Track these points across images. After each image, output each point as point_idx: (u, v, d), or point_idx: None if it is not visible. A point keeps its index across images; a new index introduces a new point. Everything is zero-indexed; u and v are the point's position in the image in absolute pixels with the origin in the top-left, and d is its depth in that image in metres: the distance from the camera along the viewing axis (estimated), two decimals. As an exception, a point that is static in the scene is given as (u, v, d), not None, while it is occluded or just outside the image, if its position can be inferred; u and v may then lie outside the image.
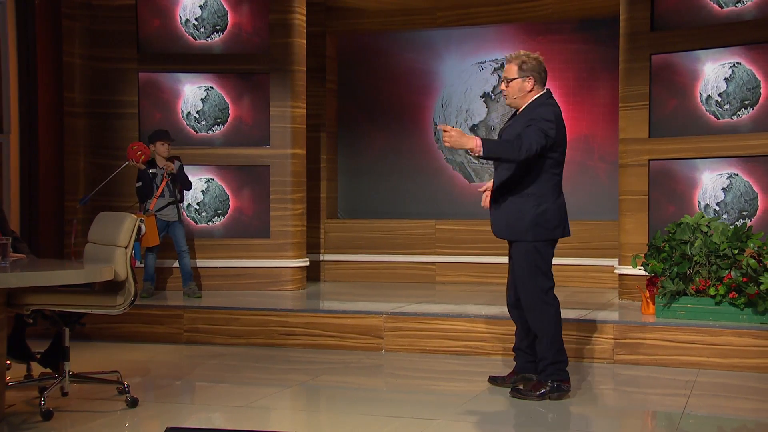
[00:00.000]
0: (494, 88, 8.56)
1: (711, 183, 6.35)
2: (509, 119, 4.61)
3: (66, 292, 4.25)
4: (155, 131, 7.16)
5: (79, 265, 4.37)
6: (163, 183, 6.98)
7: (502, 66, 8.62)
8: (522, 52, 4.52)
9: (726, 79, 6.26)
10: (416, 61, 8.97)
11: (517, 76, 4.43)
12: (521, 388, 4.53)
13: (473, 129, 8.59)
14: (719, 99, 6.27)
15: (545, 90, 4.49)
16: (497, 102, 8.55)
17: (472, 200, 8.79)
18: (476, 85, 8.67)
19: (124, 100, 7.69)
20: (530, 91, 4.43)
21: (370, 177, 9.11)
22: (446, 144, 4.20)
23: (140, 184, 7.03)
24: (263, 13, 7.73)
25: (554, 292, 4.47)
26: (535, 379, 4.53)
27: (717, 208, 6.27)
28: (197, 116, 7.72)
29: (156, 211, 6.95)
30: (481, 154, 4.18)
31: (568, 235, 4.53)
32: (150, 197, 7.00)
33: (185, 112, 7.74)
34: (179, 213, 7.12)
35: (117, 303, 4.29)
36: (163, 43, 7.74)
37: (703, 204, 6.36)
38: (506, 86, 4.47)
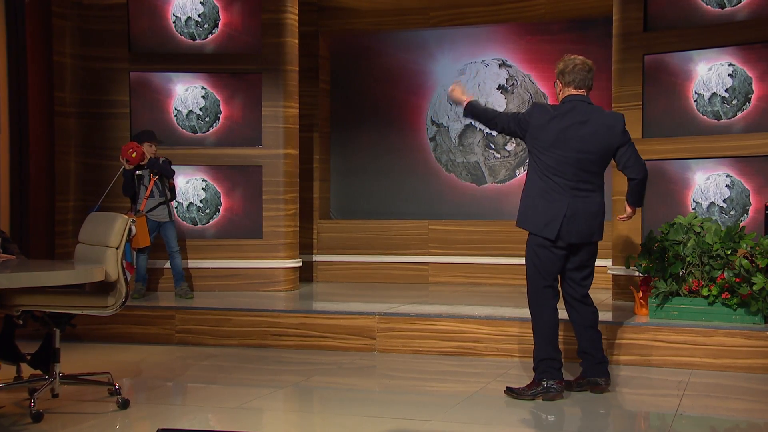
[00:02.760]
0: (507, 80, 8.57)
1: (713, 182, 6.34)
2: None
3: (56, 293, 4.22)
4: (141, 132, 7.11)
5: (69, 265, 4.34)
6: (151, 183, 6.93)
7: (504, 63, 8.64)
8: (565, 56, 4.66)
9: (730, 75, 6.26)
10: (409, 60, 8.96)
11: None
12: (514, 387, 4.53)
13: None
14: (727, 95, 6.25)
15: (570, 93, 4.52)
16: (512, 93, 8.56)
17: (466, 201, 8.81)
18: (489, 79, 8.67)
19: (116, 100, 7.65)
20: (559, 93, 4.58)
21: (363, 177, 9.09)
22: (450, 94, 4.77)
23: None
24: (255, 12, 7.70)
25: (552, 292, 4.46)
26: (601, 384, 4.54)
27: (724, 205, 6.26)
28: (201, 113, 7.69)
29: (146, 212, 6.91)
30: (464, 112, 4.72)
31: (549, 237, 4.41)
32: (134, 198, 6.94)
33: (185, 111, 7.70)
34: (170, 213, 7.07)
35: (108, 304, 4.27)
36: (155, 43, 7.71)
37: (707, 203, 6.34)
38: None
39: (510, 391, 4.51)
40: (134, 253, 6.91)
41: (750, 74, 6.24)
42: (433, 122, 8.88)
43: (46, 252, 7.27)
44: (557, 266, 4.46)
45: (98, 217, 4.60)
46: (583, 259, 4.50)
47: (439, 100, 8.86)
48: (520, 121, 4.49)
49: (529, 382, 4.51)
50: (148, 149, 6.96)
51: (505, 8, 8.46)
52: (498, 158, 8.58)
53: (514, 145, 8.52)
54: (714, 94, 6.30)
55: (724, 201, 6.27)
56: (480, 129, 8.60)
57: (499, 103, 8.57)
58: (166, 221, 7.03)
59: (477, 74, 8.69)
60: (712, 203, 6.30)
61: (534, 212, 4.43)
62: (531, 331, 5.53)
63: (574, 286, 4.55)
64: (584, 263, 4.51)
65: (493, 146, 8.55)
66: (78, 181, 7.62)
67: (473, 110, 4.66)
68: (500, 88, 8.59)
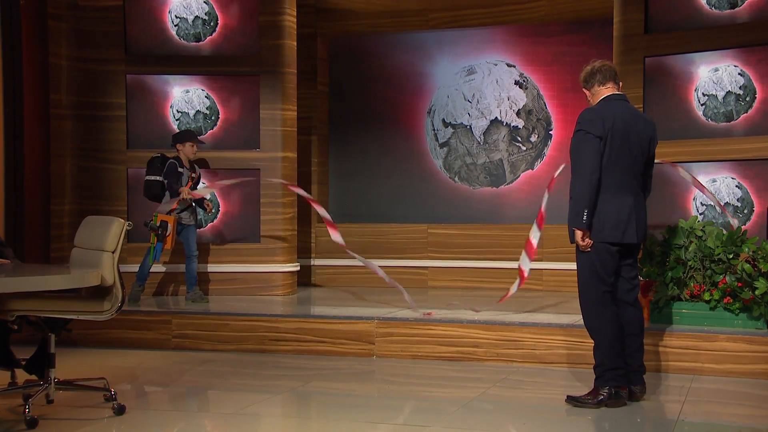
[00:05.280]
0: (520, 76, 8.57)
1: (723, 183, 6.29)
2: None
3: (52, 298, 4.18)
4: (185, 131, 7.15)
5: (65, 270, 4.30)
6: (188, 185, 6.90)
7: (508, 64, 8.61)
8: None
9: (740, 74, 6.22)
10: (408, 63, 8.92)
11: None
12: (577, 395, 4.48)
13: (519, 114, 8.56)
14: (741, 92, 6.21)
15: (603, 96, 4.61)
16: (527, 89, 8.56)
17: (465, 204, 8.77)
18: (505, 75, 8.63)
19: (112, 102, 7.60)
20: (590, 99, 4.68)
21: (362, 180, 9.05)
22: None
23: (165, 180, 6.87)
24: (253, 14, 7.66)
25: (612, 296, 4.46)
26: (637, 392, 4.50)
27: (738, 204, 6.21)
28: (207, 112, 7.65)
29: (177, 213, 6.86)
30: (584, 225, 4.32)
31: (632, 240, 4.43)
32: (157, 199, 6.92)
33: (192, 111, 7.65)
34: (196, 217, 7.06)
35: (104, 308, 4.23)
36: (151, 45, 7.66)
37: (722, 203, 6.30)
38: None
39: (573, 400, 4.45)
40: (153, 252, 6.73)
41: (752, 76, 6.20)
42: (447, 124, 8.78)
43: (41, 256, 7.22)
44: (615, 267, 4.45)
45: (94, 221, 4.56)
46: (634, 257, 4.52)
47: (450, 100, 8.79)
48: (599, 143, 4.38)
49: (590, 390, 4.45)
50: (190, 149, 6.99)
51: (505, 10, 8.43)
52: (523, 151, 8.51)
53: (536, 137, 8.46)
54: (729, 92, 6.24)
55: (738, 200, 6.23)
56: (506, 124, 8.55)
57: (519, 96, 8.54)
58: (190, 224, 6.99)
59: (490, 72, 8.66)
60: (726, 203, 6.24)
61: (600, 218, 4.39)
62: (531, 335, 5.56)
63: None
64: (634, 262, 4.53)
65: (519, 139, 8.49)
66: (74, 184, 7.56)
67: (586, 215, 4.32)
68: (516, 83, 8.56)
